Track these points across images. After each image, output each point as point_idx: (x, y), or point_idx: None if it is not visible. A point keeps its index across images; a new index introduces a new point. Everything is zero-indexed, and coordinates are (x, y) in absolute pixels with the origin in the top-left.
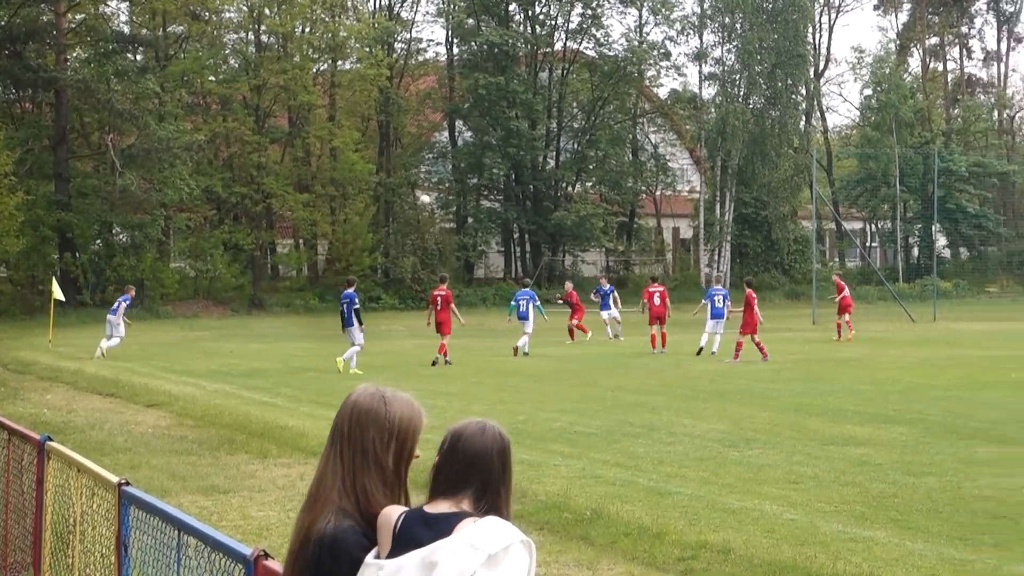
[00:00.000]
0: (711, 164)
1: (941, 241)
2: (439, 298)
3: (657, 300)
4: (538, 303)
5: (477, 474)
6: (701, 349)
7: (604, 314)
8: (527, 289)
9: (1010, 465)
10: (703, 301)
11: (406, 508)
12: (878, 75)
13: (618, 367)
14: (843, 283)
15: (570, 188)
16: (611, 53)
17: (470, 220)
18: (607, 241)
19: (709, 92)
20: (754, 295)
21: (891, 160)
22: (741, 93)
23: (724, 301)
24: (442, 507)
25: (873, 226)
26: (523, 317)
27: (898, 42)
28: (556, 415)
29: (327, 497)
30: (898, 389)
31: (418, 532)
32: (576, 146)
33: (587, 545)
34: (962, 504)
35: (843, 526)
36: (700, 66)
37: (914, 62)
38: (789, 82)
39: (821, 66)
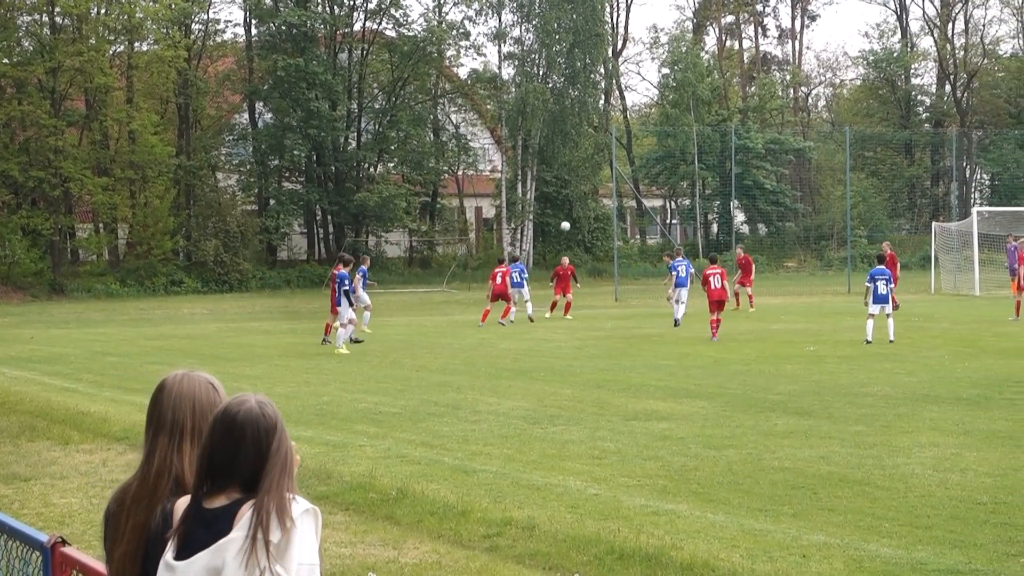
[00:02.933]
0: (512, 143)
1: (740, 217)
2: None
3: (717, 283)
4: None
5: (245, 459)
6: (677, 321)
7: (683, 291)
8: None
9: (807, 437)
10: (670, 273)
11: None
12: (675, 54)
13: (422, 347)
14: None
15: (372, 169)
16: (410, 33)
17: (272, 202)
18: (410, 221)
19: (509, 72)
20: (712, 271)
21: (689, 138)
22: (540, 73)
23: (687, 270)
24: (218, 500)
25: (673, 203)
26: (517, 285)
27: (694, 20)
28: (361, 396)
29: (162, 493)
30: (699, 364)
31: (199, 534)
32: (377, 127)
33: (393, 524)
34: (762, 476)
35: (646, 500)
36: (499, 46)
37: (710, 40)
38: (588, 61)
39: (619, 45)
